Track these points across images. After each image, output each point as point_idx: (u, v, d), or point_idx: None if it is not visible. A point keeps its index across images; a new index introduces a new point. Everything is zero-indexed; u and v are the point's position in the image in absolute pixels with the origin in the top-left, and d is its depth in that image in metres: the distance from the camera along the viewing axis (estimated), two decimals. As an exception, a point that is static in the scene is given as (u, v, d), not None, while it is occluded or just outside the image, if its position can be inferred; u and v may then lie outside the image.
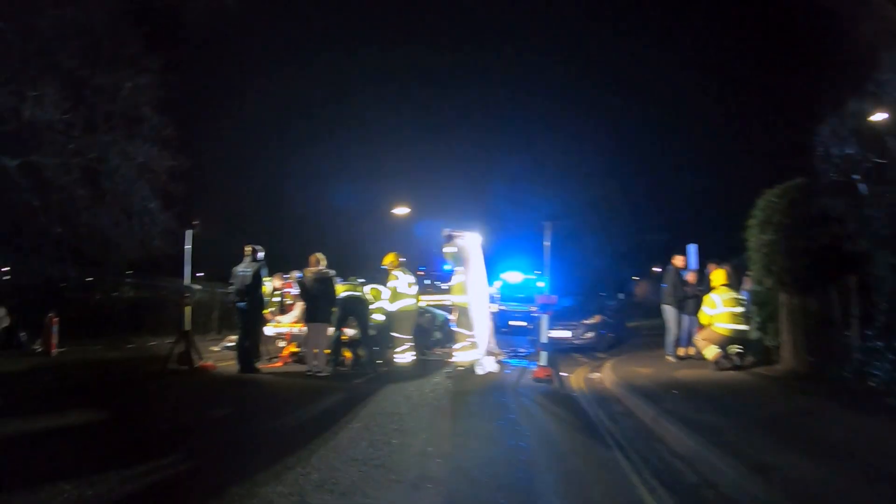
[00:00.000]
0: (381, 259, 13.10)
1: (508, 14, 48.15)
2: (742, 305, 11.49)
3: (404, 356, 12.52)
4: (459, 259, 11.82)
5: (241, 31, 24.19)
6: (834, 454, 5.28)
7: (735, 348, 11.21)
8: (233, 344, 12.65)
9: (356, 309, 10.94)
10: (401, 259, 12.97)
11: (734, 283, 11.90)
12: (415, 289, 13.04)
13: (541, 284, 13.33)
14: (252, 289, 11.34)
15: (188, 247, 12.11)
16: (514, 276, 21.07)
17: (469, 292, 11.69)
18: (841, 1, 12.26)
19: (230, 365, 11.69)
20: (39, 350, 13.35)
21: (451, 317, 13.75)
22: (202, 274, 25.43)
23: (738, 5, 31.62)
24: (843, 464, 4.98)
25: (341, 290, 12.23)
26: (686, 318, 13.20)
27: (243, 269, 11.41)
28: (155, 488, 4.58)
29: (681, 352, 13.16)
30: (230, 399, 8.82)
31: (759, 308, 11.65)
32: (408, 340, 12.67)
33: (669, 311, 13.14)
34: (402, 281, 12.70)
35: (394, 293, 12.65)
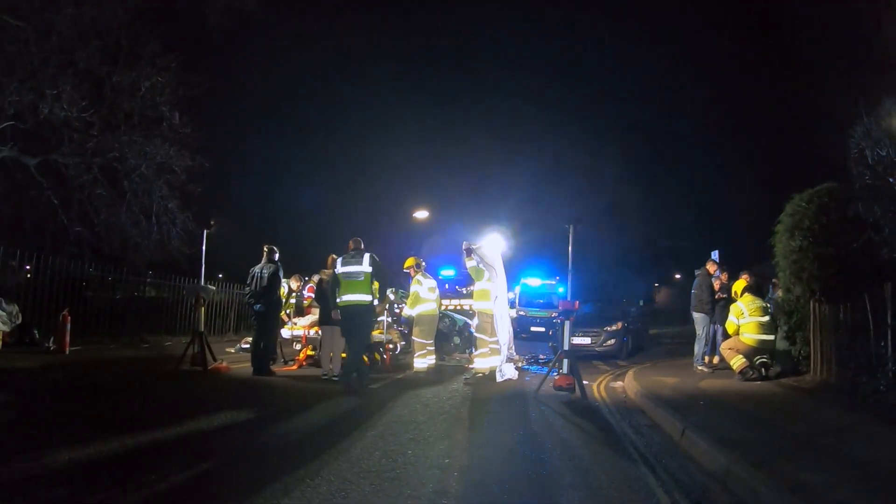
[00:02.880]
0: (399, 263, 13.06)
1: (534, 21, 48.02)
2: (768, 314, 11.20)
3: (424, 360, 12.35)
4: (481, 271, 11.64)
5: (263, 30, 24.13)
6: (877, 475, 4.98)
7: (761, 358, 10.91)
8: (248, 346, 12.53)
9: (354, 317, 10.54)
10: (421, 263, 12.99)
11: (758, 291, 11.60)
12: (436, 293, 12.97)
13: (561, 290, 13.13)
14: (268, 290, 11.20)
15: (204, 247, 12.03)
16: (534, 281, 20.86)
17: (492, 298, 11.53)
18: (869, 4, 11.98)
19: (245, 367, 11.56)
20: (53, 348, 13.27)
21: (471, 322, 13.58)
22: (221, 275, 25.48)
23: (765, 7, 31.16)
24: (886, 484, 4.69)
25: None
26: (713, 326, 12.93)
27: (260, 270, 11.29)
28: (152, 500, 4.37)
29: (708, 360, 12.88)
30: (241, 403, 8.64)
31: (788, 317, 11.34)
32: (428, 345, 12.54)
33: (701, 319, 12.78)
34: (424, 286, 12.70)
35: (415, 297, 12.65)
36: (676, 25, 44.22)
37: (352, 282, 10.22)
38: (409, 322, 13.03)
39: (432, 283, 12.99)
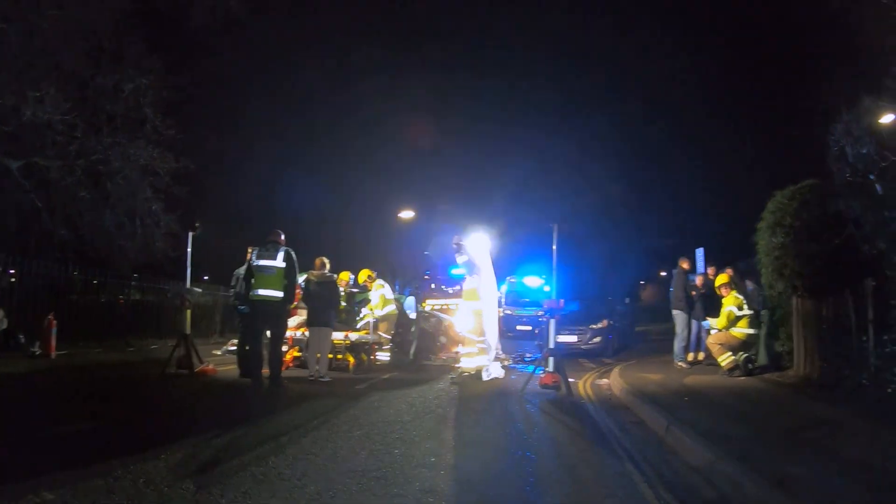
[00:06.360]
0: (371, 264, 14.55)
1: (519, 18, 48.02)
2: (752, 309, 11.32)
3: (387, 355, 13.55)
4: (472, 267, 11.70)
5: (245, 31, 23.98)
6: (860, 468, 5.05)
7: (746, 354, 11.03)
8: (234, 348, 12.49)
9: (266, 313, 10.25)
10: (373, 274, 14.16)
11: (739, 287, 11.71)
12: (394, 296, 14.48)
13: (547, 289, 13.20)
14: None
15: (189, 249, 11.98)
16: (520, 280, 20.90)
17: (481, 297, 11.58)
18: (850, 3, 12.09)
19: (231, 369, 11.52)
20: (38, 353, 13.17)
21: (456, 321, 13.70)
22: (207, 277, 25.36)
23: (747, 6, 31.33)
24: (871, 479, 4.74)
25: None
26: (695, 323, 13.04)
27: (244, 271, 11.22)
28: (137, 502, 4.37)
29: (689, 357, 12.99)
30: (226, 404, 8.64)
31: (771, 312, 11.46)
32: (390, 342, 13.78)
33: (679, 316, 12.95)
34: (387, 288, 13.85)
35: (383, 299, 13.58)
36: (661, 25, 44.39)
37: (265, 276, 10.06)
38: (377, 322, 13.39)
39: (388, 286, 14.17)
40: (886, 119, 10.73)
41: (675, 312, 13.10)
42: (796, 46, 24.44)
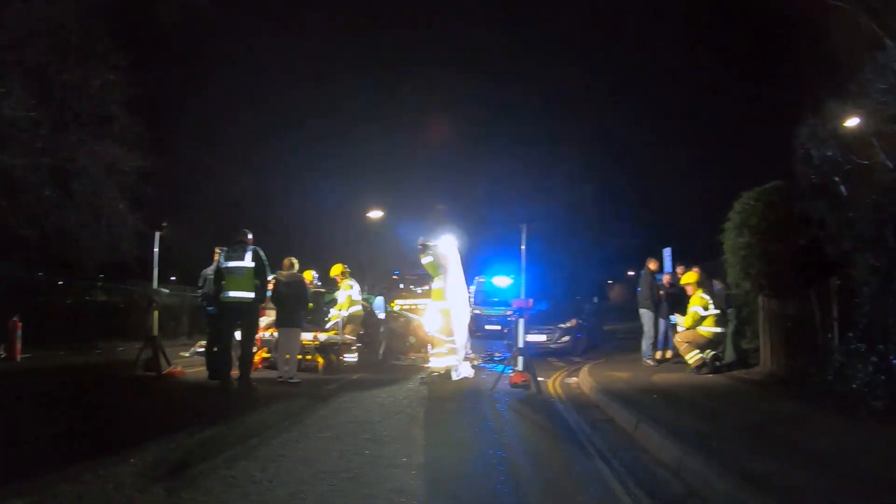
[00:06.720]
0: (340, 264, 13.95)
1: (486, 13, 48.07)
2: (719, 308, 11.49)
3: (354, 356, 13.44)
4: (438, 268, 11.70)
5: (214, 28, 23.73)
6: (825, 461, 5.14)
7: (713, 352, 11.19)
8: (202, 349, 12.36)
9: (239, 314, 10.13)
10: (346, 270, 13.83)
11: (706, 286, 11.87)
12: (361, 295, 14.39)
13: (515, 288, 13.26)
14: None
15: (156, 249, 11.84)
16: (489, 280, 20.93)
17: (449, 297, 11.58)
18: (816, 9, 12.31)
19: (200, 371, 11.41)
20: (3, 356, 12.95)
21: (425, 321, 13.66)
22: (175, 277, 25.04)
23: (716, 11, 31.67)
24: (836, 471, 4.84)
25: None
26: (662, 321, 13.20)
27: (212, 272, 11.09)
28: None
29: (657, 355, 13.13)
30: (195, 407, 8.54)
31: (737, 311, 11.64)
32: (355, 342, 13.62)
33: (646, 315, 13.14)
34: (355, 289, 13.67)
35: (349, 300, 13.40)
36: (627, 25, 44.72)
37: (235, 277, 9.95)
38: (343, 322, 13.20)
39: (358, 286, 14.07)
40: (851, 123, 10.97)
41: (642, 311, 13.30)
42: (766, 50, 24.79)
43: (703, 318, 11.29)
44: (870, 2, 10.76)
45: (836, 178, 9.32)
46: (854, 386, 7.60)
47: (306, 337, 12.06)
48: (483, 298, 20.04)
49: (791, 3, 13.89)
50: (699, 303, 11.39)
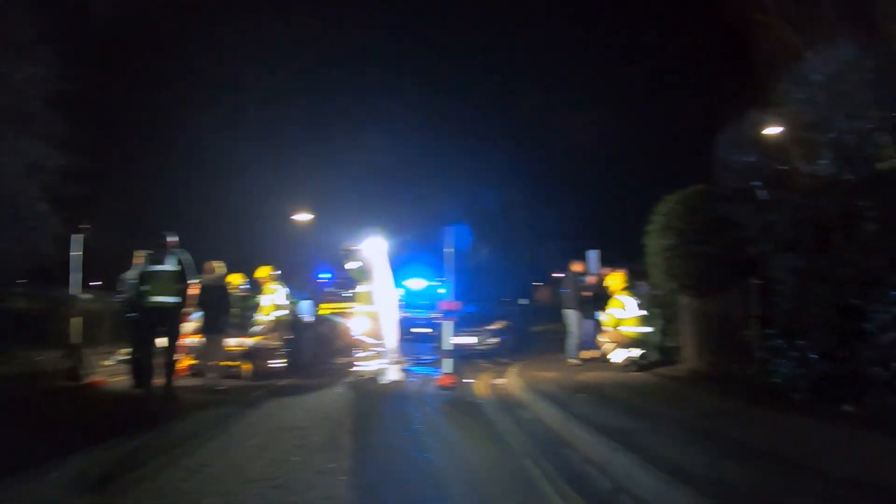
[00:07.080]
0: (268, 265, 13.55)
1: (420, 18, 48.09)
2: (644, 308, 11.70)
3: (281, 361, 12.91)
4: (363, 273, 11.60)
5: (146, 23, 23.10)
6: (751, 453, 5.28)
7: (639, 350, 11.37)
8: (126, 357, 11.91)
9: (166, 321, 9.98)
10: (275, 272, 13.36)
11: (632, 287, 12.09)
12: (288, 300, 13.72)
13: (443, 291, 13.23)
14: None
15: (77, 253, 11.38)
16: (416, 283, 20.90)
17: (375, 300, 11.49)
18: (740, 21, 12.72)
19: (123, 379, 10.96)
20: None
21: (352, 325, 13.47)
22: (100, 282, 24.10)
23: (644, 18, 32.32)
24: (762, 462, 5.00)
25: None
26: (587, 322, 13.38)
27: (132, 276, 10.68)
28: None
29: (585, 354, 13.29)
30: (119, 417, 8.19)
31: (661, 310, 11.87)
32: (282, 347, 13.05)
33: (571, 315, 13.31)
34: (281, 293, 13.11)
35: (273, 304, 12.97)
36: (560, 23, 45.24)
37: (159, 281, 9.76)
38: (269, 327, 12.91)
39: (286, 290, 13.51)
40: (770, 130, 11.37)
41: (566, 312, 13.50)
42: (692, 58, 25.37)
43: (622, 319, 11.49)
44: (793, 16, 11.20)
45: (757, 183, 9.60)
46: (777, 380, 7.85)
47: (232, 343, 11.75)
48: (410, 301, 19.98)
49: (716, 16, 14.31)
50: (616, 305, 11.64)
